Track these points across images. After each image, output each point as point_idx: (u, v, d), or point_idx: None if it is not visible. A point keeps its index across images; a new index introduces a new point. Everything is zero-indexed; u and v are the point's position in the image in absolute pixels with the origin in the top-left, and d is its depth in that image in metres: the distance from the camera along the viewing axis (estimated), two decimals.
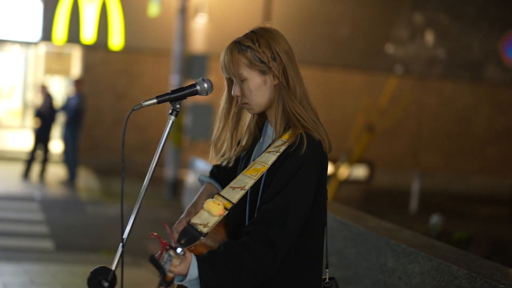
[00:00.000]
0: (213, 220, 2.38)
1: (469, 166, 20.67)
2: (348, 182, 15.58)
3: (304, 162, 2.41)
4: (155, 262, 2.21)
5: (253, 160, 2.59)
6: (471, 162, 20.74)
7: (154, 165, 2.48)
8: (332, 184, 13.63)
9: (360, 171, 16.49)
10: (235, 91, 2.54)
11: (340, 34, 19.01)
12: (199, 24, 17.66)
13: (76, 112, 13.92)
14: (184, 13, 14.50)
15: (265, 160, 2.45)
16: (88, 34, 17.23)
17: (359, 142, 14.55)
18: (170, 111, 2.48)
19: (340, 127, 18.43)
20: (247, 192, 2.47)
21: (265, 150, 2.50)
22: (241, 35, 2.56)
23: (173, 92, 2.48)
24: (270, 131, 2.59)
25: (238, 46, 2.52)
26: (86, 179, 15.09)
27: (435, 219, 9.47)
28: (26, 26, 16.96)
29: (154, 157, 2.47)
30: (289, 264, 2.45)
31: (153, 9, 15.64)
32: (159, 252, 2.27)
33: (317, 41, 18.88)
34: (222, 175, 2.77)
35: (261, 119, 2.68)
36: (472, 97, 20.70)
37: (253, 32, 2.55)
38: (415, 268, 3.15)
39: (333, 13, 19.13)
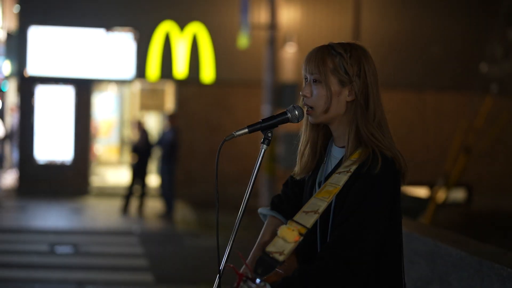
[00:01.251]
0: (289, 247, 2.28)
1: None
2: (446, 205, 15.20)
3: (377, 181, 2.33)
4: None
5: (318, 182, 2.53)
6: None
7: (248, 195, 2.47)
8: (430, 208, 13.32)
9: (458, 194, 16.06)
10: (305, 90, 2.48)
11: (432, 55, 18.70)
12: (288, 53, 17.74)
13: (171, 146, 14.14)
14: (273, 43, 14.60)
15: (336, 181, 2.38)
16: (180, 69, 17.56)
17: (456, 164, 14.21)
18: (262, 140, 2.46)
19: (436, 150, 18.07)
20: None
21: (335, 171, 2.43)
22: (336, 42, 2.52)
23: (264, 121, 2.47)
24: (335, 152, 2.52)
25: (330, 49, 2.48)
26: (183, 211, 15.27)
27: None
28: (121, 65, 17.43)
29: (248, 187, 2.46)
30: None
31: (243, 41, 15.81)
32: (236, 283, 2.22)
33: (409, 63, 18.63)
34: (285, 205, 2.68)
35: (325, 140, 2.60)
36: None
37: (348, 43, 2.50)
38: None
39: (423, 33, 18.86)
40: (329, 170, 2.51)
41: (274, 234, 2.47)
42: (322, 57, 2.46)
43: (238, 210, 2.48)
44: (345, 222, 2.32)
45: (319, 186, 2.52)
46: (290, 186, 2.74)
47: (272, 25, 14.57)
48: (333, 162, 2.51)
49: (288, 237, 2.31)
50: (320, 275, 2.26)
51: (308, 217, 2.35)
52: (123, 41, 17.37)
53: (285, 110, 2.49)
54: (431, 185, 14.33)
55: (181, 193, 16.37)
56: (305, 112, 2.51)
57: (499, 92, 16.02)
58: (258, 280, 2.19)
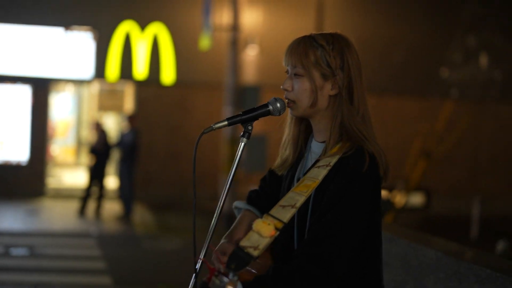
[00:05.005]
0: (264, 242, 2.18)
1: None
2: (406, 210, 15.27)
3: (356, 177, 2.22)
4: None
5: (297, 178, 2.42)
6: None
7: (226, 191, 2.38)
8: (390, 213, 13.35)
9: (417, 199, 16.15)
10: (286, 84, 2.37)
11: (393, 59, 18.80)
12: (250, 55, 17.66)
13: (131, 148, 13.95)
14: (235, 45, 14.50)
15: (315, 175, 2.27)
16: (140, 70, 17.36)
17: (415, 169, 14.29)
18: (242, 133, 2.35)
19: (396, 154, 18.14)
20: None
21: (315, 165, 2.32)
22: (318, 33, 2.40)
23: (245, 113, 2.35)
24: (315, 147, 2.41)
25: (311, 40, 2.36)
26: (141, 213, 15.08)
27: (501, 245, 9.11)
28: (79, 65, 17.16)
29: (226, 183, 2.39)
30: None
31: (204, 42, 15.68)
32: (207, 277, 2.14)
33: (371, 67, 18.69)
34: (262, 200, 2.58)
35: (306, 135, 2.50)
36: None
37: (331, 34, 2.38)
38: None
39: (385, 38, 18.96)
40: (309, 165, 2.41)
41: (248, 229, 2.36)
42: (304, 49, 2.34)
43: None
44: (323, 218, 2.21)
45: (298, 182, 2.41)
46: (268, 181, 2.63)
47: (235, 27, 14.47)
48: (313, 157, 2.41)
49: (263, 231, 2.21)
50: (294, 275, 2.15)
51: (284, 211, 2.25)
52: (82, 41, 17.11)
53: (266, 102, 2.39)
54: (390, 189, 14.38)
55: (139, 195, 16.17)
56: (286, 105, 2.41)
57: (459, 97, 16.19)
58: (231, 275, 2.10)
